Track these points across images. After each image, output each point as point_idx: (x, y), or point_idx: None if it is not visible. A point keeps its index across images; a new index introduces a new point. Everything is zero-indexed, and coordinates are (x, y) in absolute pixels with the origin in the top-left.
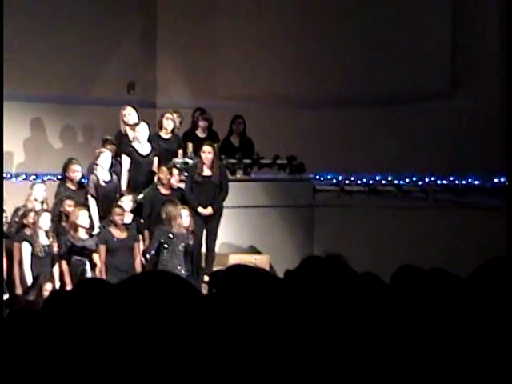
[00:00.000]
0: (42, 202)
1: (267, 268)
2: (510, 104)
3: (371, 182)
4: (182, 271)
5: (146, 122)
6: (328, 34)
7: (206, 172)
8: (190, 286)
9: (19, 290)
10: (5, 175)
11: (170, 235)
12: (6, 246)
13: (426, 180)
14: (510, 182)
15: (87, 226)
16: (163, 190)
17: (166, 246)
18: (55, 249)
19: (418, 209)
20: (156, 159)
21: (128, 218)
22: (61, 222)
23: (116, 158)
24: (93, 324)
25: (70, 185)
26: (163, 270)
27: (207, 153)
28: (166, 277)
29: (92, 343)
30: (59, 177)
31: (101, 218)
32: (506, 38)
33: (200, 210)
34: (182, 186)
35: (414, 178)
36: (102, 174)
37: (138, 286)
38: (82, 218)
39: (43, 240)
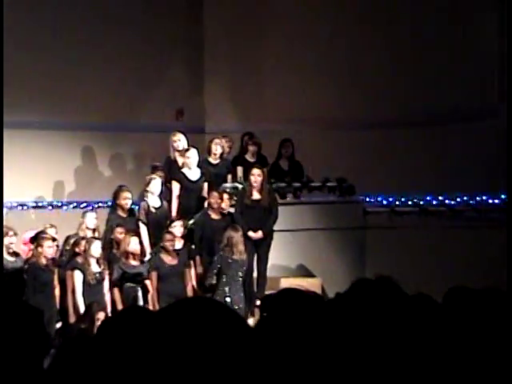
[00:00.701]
0: (94, 230)
1: (319, 291)
2: None
3: (422, 202)
4: (241, 298)
5: (196, 148)
6: (376, 56)
7: (256, 196)
8: (234, 314)
9: (72, 319)
10: (56, 203)
11: (230, 260)
12: (58, 275)
13: (478, 199)
14: None
15: (138, 252)
16: (214, 215)
17: (224, 271)
18: (107, 276)
19: (470, 228)
20: (206, 184)
21: (179, 244)
22: (112, 250)
23: (165, 184)
24: (139, 352)
25: (120, 212)
26: (204, 297)
27: (256, 175)
28: (208, 304)
29: (140, 371)
30: (110, 204)
31: (152, 245)
32: None
33: (250, 233)
34: (233, 210)
35: (465, 198)
36: (153, 200)
37: (178, 313)
38: (132, 244)
39: (95, 268)
